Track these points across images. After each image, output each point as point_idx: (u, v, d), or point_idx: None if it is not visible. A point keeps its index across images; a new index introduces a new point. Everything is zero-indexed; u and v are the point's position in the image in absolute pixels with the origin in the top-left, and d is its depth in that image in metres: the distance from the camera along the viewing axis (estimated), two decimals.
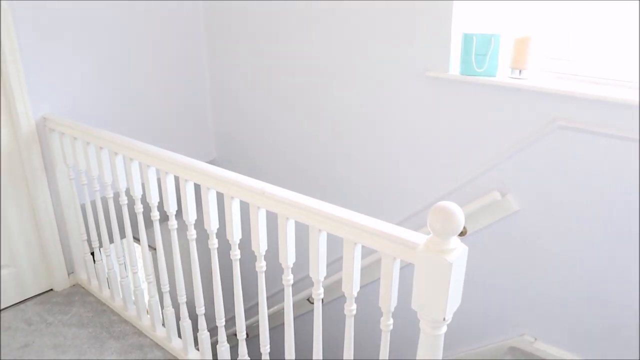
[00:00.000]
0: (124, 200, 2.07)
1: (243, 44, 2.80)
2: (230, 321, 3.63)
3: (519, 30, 2.03)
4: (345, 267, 1.33)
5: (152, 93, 2.74)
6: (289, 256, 1.49)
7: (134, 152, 1.86)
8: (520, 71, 1.97)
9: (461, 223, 1.02)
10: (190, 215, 1.77)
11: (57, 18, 2.25)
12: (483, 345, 2.41)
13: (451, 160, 2.23)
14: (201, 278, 1.92)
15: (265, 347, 1.77)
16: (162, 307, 2.12)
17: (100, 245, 2.40)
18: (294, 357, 1.69)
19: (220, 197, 1.65)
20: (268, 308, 3.19)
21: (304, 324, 3.18)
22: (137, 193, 1.97)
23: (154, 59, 2.69)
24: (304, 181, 2.83)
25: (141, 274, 3.58)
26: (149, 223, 2.53)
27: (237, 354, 1.89)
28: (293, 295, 3.08)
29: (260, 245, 1.57)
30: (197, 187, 1.71)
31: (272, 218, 1.52)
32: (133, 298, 2.27)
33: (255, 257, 1.61)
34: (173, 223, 1.87)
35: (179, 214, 1.81)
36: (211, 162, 2.71)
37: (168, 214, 1.85)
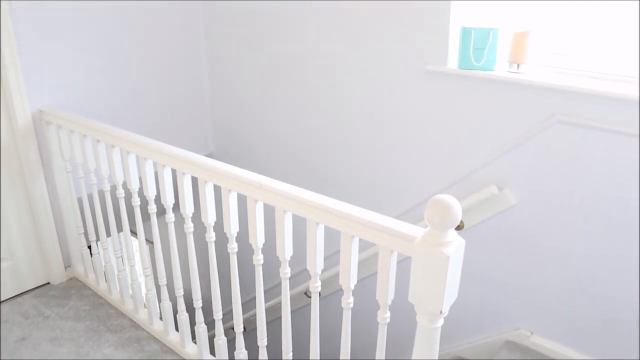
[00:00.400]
0: (121, 193, 2.06)
1: (241, 37, 2.79)
2: (228, 314, 3.63)
3: (518, 25, 2.02)
4: (343, 260, 1.33)
5: (149, 86, 2.72)
6: (286, 249, 1.49)
7: (131, 144, 1.85)
8: (518, 65, 1.97)
9: (458, 216, 1.02)
10: (188, 209, 1.76)
11: (55, 11, 2.23)
12: (479, 339, 2.42)
13: (449, 154, 2.23)
14: (199, 271, 1.92)
15: (262, 340, 1.77)
16: (160, 301, 2.12)
17: (97, 239, 2.40)
18: (291, 350, 1.69)
19: (217, 190, 1.64)
20: (266, 301, 3.19)
21: (301, 318, 3.18)
22: (134, 186, 1.96)
23: (152, 52, 2.68)
24: (302, 174, 2.83)
25: (138, 267, 3.57)
26: (146, 216, 2.53)
27: (235, 348, 1.89)
28: (291, 289, 3.09)
29: (258, 238, 1.57)
30: (195, 180, 1.71)
31: (269, 211, 1.52)
32: (130, 291, 2.27)
33: (253, 250, 1.61)
34: (170, 216, 1.87)
35: (176, 207, 1.81)
36: (209, 155, 2.70)
37: (165, 207, 1.84)
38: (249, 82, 2.87)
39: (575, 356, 2.12)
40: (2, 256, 2.33)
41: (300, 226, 1.49)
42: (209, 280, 1.84)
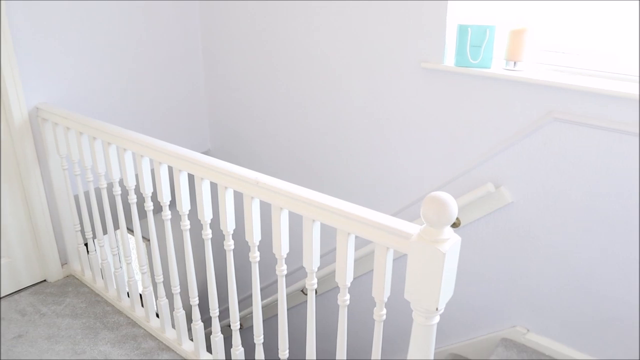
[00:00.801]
0: (117, 190, 2.06)
1: (238, 34, 2.78)
2: (225, 312, 3.63)
3: (515, 22, 2.03)
4: (339, 258, 1.33)
5: (146, 83, 2.72)
6: (282, 246, 1.49)
7: (127, 142, 1.85)
8: (515, 63, 1.97)
9: (454, 213, 1.02)
10: (184, 206, 1.76)
11: (51, 9, 2.22)
12: (475, 336, 2.42)
13: (445, 151, 2.23)
14: (195, 269, 1.92)
15: (259, 338, 1.77)
16: (156, 298, 2.12)
17: (94, 236, 2.39)
18: (287, 348, 1.69)
19: (214, 187, 1.64)
20: (262, 299, 3.19)
21: (298, 315, 3.19)
22: (131, 183, 1.96)
23: (149, 49, 2.67)
24: (299, 171, 2.83)
25: (135, 264, 3.57)
26: (142, 214, 2.53)
27: (232, 345, 1.89)
28: (287, 287, 3.09)
29: (254, 235, 1.57)
30: (191, 178, 1.70)
31: (266, 208, 1.52)
32: (127, 289, 2.27)
33: (249, 247, 1.61)
34: (167, 213, 1.87)
35: (172, 204, 1.81)
36: (206, 153, 2.70)
37: (162, 204, 1.84)
38: (246, 79, 2.86)
39: (571, 354, 2.13)
40: None
41: (296, 223, 1.49)
42: (206, 278, 1.84)
